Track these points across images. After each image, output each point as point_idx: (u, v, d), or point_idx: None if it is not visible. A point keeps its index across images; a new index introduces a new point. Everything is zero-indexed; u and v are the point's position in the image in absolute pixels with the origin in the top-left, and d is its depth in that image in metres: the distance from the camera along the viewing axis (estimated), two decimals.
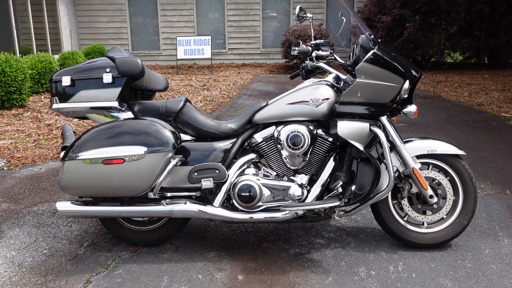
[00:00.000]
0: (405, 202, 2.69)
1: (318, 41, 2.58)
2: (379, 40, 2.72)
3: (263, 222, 2.63)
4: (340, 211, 2.59)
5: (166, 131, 2.46)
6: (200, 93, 8.58)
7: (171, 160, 2.46)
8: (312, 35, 2.72)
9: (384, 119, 2.56)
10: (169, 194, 2.59)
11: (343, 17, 2.77)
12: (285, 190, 2.56)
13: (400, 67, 2.47)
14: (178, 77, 11.11)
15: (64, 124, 4.80)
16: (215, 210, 2.54)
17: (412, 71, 2.54)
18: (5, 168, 4.38)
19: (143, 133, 2.43)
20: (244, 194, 2.51)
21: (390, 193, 2.65)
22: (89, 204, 2.58)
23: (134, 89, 2.81)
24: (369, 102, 2.49)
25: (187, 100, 2.74)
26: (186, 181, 2.54)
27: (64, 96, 2.58)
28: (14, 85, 6.73)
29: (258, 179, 2.55)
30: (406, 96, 2.51)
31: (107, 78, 2.54)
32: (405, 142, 2.65)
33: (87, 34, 13.44)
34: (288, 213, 2.50)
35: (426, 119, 6.37)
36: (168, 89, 8.96)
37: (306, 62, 2.70)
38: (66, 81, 2.55)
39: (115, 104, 2.56)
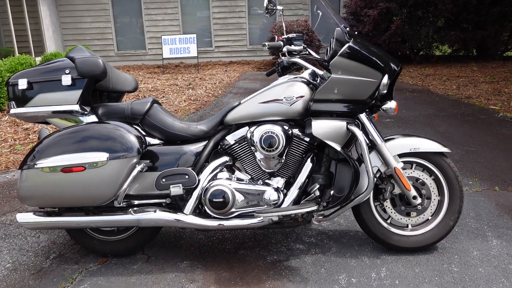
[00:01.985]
0: (387, 203, 2.55)
1: (290, 35, 2.42)
2: (355, 33, 2.58)
3: (236, 229, 2.48)
4: (319, 215, 2.45)
5: (130, 136, 2.30)
6: (185, 93, 8.41)
7: (136, 166, 2.30)
8: (284, 30, 2.56)
9: (363, 116, 2.42)
10: (136, 202, 2.44)
11: (318, 11, 2.63)
12: (259, 195, 2.41)
13: (378, 61, 2.33)
14: (164, 76, 10.91)
15: (42, 128, 4.63)
16: (186, 217, 2.38)
17: (392, 65, 2.40)
18: None
19: (105, 138, 2.27)
20: (216, 200, 2.36)
21: (371, 194, 2.52)
22: (52, 215, 2.42)
23: (99, 90, 2.65)
24: (346, 99, 2.35)
25: (154, 101, 2.59)
26: (154, 188, 2.39)
27: (22, 100, 2.41)
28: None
29: (231, 184, 2.40)
30: (385, 91, 2.37)
31: (66, 79, 2.37)
32: (386, 141, 2.51)
33: (71, 35, 13.18)
34: (262, 219, 2.36)
35: (413, 114, 6.25)
36: (153, 90, 8.80)
37: (282, 58, 2.54)
38: (22, 84, 2.38)
39: (76, 107, 2.40)
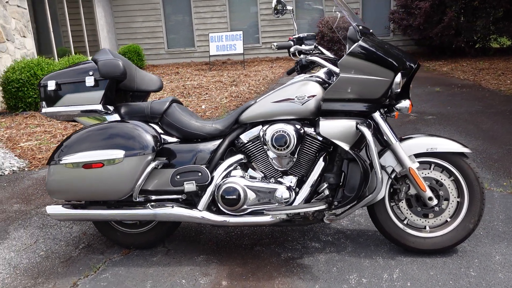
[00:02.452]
0: (403, 204, 2.50)
1: (302, 35, 2.43)
2: (370, 31, 2.53)
3: (247, 225, 2.53)
4: (330, 214, 2.45)
5: (145, 134, 2.41)
6: (227, 89, 8.55)
7: (151, 163, 2.41)
8: (295, 29, 2.57)
9: (376, 115, 2.38)
10: (154, 197, 2.55)
11: (337, 12, 2.61)
12: (271, 193, 2.44)
13: (389, 60, 2.29)
14: (210, 73, 11.14)
15: None
16: (199, 213, 2.47)
17: (407, 63, 2.34)
18: (25, 169, 4.54)
19: (122, 136, 2.40)
20: (228, 197, 2.42)
21: (387, 194, 2.48)
22: (78, 208, 2.59)
23: (124, 90, 2.79)
24: (356, 98, 2.32)
25: (174, 101, 2.69)
26: (169, 184, 2.49)
27: (51, 100, 2.59)
28: None
29: (243, 181, 2.45)
30: (398, 90, 2.32)
31: (90, 81, 2.52)
32: (403, 140, 2.46)
33: (124, 34, 13.75)
34: (271, 217, 2.39)
35: (458, 111, 6.00)
36: (198, 86, 9.02)
37: (301, 56, 2.56)
38: (51, 85, 2.56)
39: (99, 107, 2.54)
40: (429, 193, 2.39)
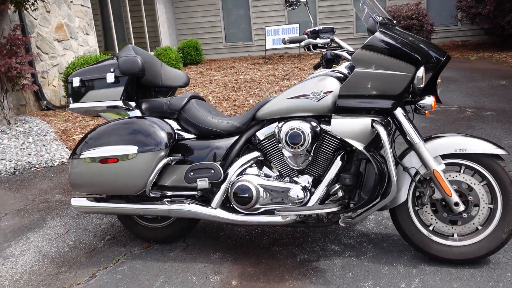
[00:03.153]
0: (427, 209, 2.32)
1: (318, 28, 2.31)
2: (393, 22, 2.36)
3: (259, 225, 2.47)
4: (346, 217, 2.32)
5: (158, 131, 2.42)
6: (279, 84, 8.47)
7: (163, 159, 2.42)
8: (311, 21, 2.43)
9: (398, 113, 2.22)
10: (170, 193, 2.56)
11: (364, 5, 2.45)
12: (284, 192, 2.36)
13: (409, 53, 2.11)
14: (265, 67, 11.10)
15: None
16: (212, 211, 2.44)
17: (432, 56, 2.16)
18: None
19: (136, 132, 2.43)
20: (240, 195, 2.38)
21: (410, 198, 2.31)
22: (100, 201, 2.66)
23: (150, 86, 2.82)
24: (374, 94, 2.17)
25: (192, 97, 2.68)
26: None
27: (77, 96, 2.68)
28: None
29: (256, 180, 2.39)
30: (422, 85, 2.14)
31: (110, 77, 2.57)
32: (431, 139, 2.28)
33: (185, 29, 14.07)
34: (282, 218, 2.31)
35: None
36: (250, 81, 9.02)
37: (325, 50, 2.45)
38: (76, 82, 2.65)
39: (120, 103, 2.59)
40: (455, 198, 2.19)
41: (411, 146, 2.24)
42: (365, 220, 2.87)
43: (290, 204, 2.35)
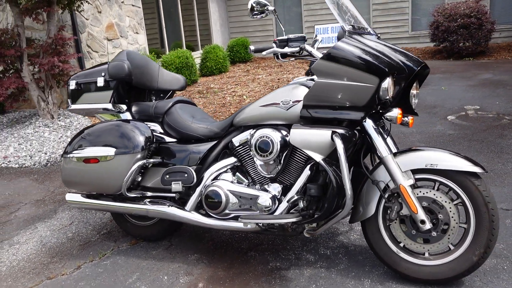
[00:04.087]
0: (396, 225, 2.23)
1: (288, 36, 2.28)
2: (367, 30, 2.27)
3: (225, 230, 2.49)
4: (311, 228, 2.29)
5: (137, 134, 2.52)
6: None
7: (139, 161, 2.51)
8: (283, 29, 2.39)
9: (368, 125, 2.15)
10: (150, 194, 2.66)
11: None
12: (252, 199, 2.37)
13: (373, 63, 2.04)
14: (305, 68, 10.98)
15: None
16: (184, 213, 2.51)
17: (402, 66, 2.07)
18: None
19: (116, 135, 2.54)
20: (210, 199, 2.42)
21: (381, 212, 2.24)
22: (91, 198, 2.81)
23: (147, 89, 2.94)
24: (336, 105, 2.12)
25: (178, 102, 2.75)
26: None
27: (74, 98, 2.85)
28: None
29: (227, 185, 2.42)
30: (388, 97, 2.06)
31: (100, 81, 2.71)
32: (403, 152, 2.19)
33: (236, 28, 14.25)
34: (244, 225, 2.33)
35: None
36: (280, 81, 8.98)
37: (295, 58, 2.42)
38: (72, 84, 2.82)
39: (109, 105, 2.72)
40: (421, 215, 2.09)
41: (380, 159, 2.17)
42: (350, 231, 2.81)
43: (258, 212, 2.36)
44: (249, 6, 2.18)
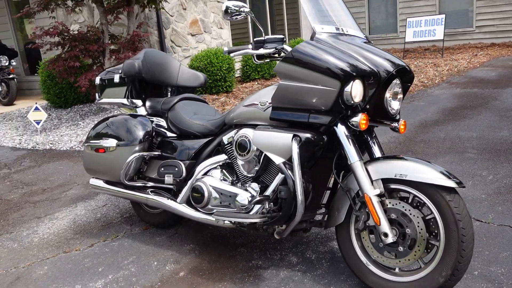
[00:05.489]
0: (365, 236, 2.13)
1: (265, 38, 2.27)
2: (342, 31, 2.15)
3: (206, 223, 2.55)
4: (280, 229, 2.28)
5: (137, 128, 2.71)
6: None
7: (137, 153, 2.70)
8: (262, 30, 2.34)
9: (339, 129, 2.07)
10: (151, 184, 2.83)
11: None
12: (231, 197, 2.42)
13: (333, 67, 1.95)
14: None
15: None
16: (175, 204, 2.64)
17: (373, 70, 1.97)
18: None
19: (120, 128, 2.76)
20: (195, 194, 2.52)
21: (353, 221, 2.16)
22: (108, 183, 3.08)
23: (166, 86, 3.13)
24: (300, 108, 2.07)
25: (183, 98, 2.88)
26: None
27: (100, 92, 3.15)
28: (220, 74, 7.93)
29: (211, 181, 2.50)
30: (354, 102, 1.97)
31: (116, 78, 2.96)
32: (379, 160, 2.09)
33: None
34: (216, 221, 2.39)
35: None
36: None
37: (270, 60, 2.41)
38: (97, 80, 3.11)
39: (125, 100, 2.96)
40: (384, 227, 1.97)
41: (349, 166, 2.09)
42: None
43: (235, 209, 2.41)
44: (224, 8, 2.20)
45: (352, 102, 1.97)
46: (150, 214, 3.11)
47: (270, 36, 2.28)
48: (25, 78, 10.61)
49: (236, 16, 2.22)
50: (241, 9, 2.20)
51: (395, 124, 2.24)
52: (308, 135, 2.07)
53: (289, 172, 2.09)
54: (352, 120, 2.03)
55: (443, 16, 10.79)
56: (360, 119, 1.99)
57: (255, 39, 2.28)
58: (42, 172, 4.78)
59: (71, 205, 3.72)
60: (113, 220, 3.34)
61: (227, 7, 2.20)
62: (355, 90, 1.96)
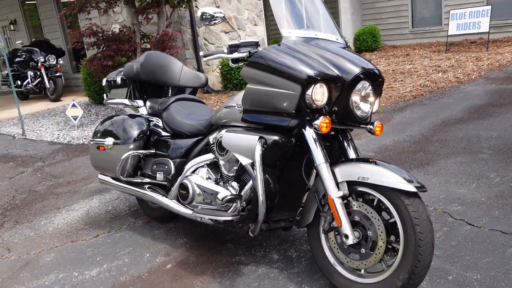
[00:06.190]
0: (331, 236, 2.16)
1: (240, 42, 2.33)
2: (314, 35, 2.16)
3: (188, 217, 2.65)
4: (252, 228, 2.35)
5: (132, 128, 2.87)
6: (429, 77, 7.71)
7: (131, 151, 2.86)
8: (238, 35, 2.39)
9: (307, 132, 2.12)
10: (147, 180, 2.99)
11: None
12: (213, 195, 2.53)
13: (295, 71, 1.99)
14: (441, 56, 10.09)
15: None
16: (165, 200, 2.79)
17: (335, 73, 2.00)
18: None
19: (118, 127, 2.94)
20: (181, 191, 2.65)
21: (322, 221, 2.21)
22: (114, 179, 3.28)
23: (168, 86, 3.29)
24: (267, 111, 2.13)
25: (179, 99, 3.01)
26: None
27: (107, 93, 3.35)
28: None
29: (197, 179, 2.61)
30: (316, 105, 2.01)
31: (118, 79, 3.14)
32: (347, 162, 2.12)
33: (369, 15, 13.74)
34: (193, 216, 2.51)
35: None
36: (409, 72, 8.46)
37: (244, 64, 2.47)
38: (104, 82, 3.31)
39: (126, 101, 3.14)
40: (345, 229, 2.00)
41: (315, 168, 2.13)
42: None
43: (216, 207, 2.51)
44: (199, 14, 2.28)
45: (315, 105, 2.01)
46: (152, 209, 3.28)
47: (244, 40, 2.35)
48: (72, 75, 11.24)
49: (213, 21, 2.30)
50: (216, 15, 2.28)
51: (370, 127, 2.25)
52: (275, 138, 2.13)
53: (252, 174, 2.17)
54: (313, 123, 2.07)
55: (489, 7, 10.27)
56: (320, 122, 2.02)
57: (230, 44, 2.36)
58: (71, 165, 5.11)
59: (88, 198, 3.98)
60: (121, 213, 3.54)
61: (202, 13, 2.29)
62: (317, 93, 2.00)
